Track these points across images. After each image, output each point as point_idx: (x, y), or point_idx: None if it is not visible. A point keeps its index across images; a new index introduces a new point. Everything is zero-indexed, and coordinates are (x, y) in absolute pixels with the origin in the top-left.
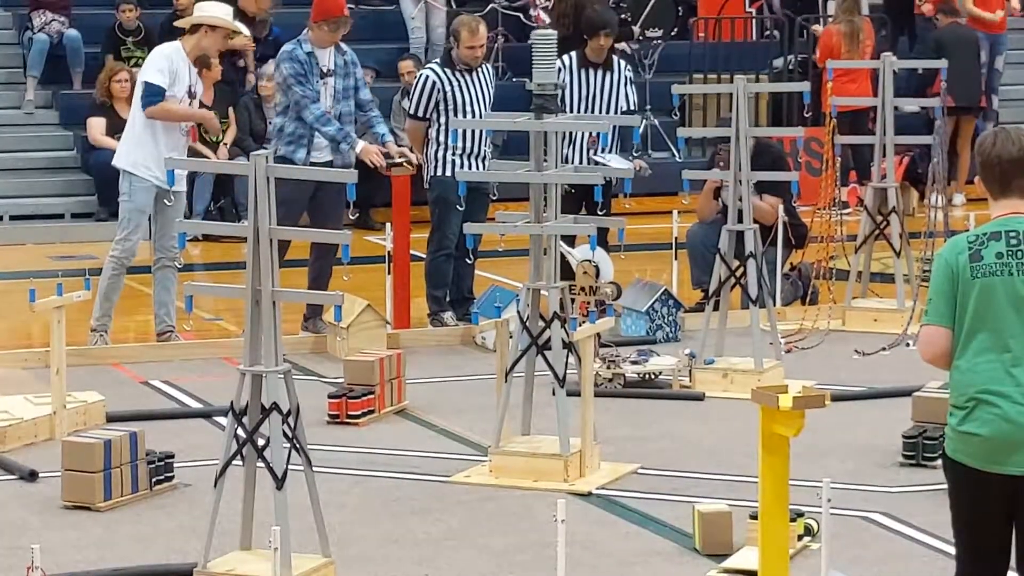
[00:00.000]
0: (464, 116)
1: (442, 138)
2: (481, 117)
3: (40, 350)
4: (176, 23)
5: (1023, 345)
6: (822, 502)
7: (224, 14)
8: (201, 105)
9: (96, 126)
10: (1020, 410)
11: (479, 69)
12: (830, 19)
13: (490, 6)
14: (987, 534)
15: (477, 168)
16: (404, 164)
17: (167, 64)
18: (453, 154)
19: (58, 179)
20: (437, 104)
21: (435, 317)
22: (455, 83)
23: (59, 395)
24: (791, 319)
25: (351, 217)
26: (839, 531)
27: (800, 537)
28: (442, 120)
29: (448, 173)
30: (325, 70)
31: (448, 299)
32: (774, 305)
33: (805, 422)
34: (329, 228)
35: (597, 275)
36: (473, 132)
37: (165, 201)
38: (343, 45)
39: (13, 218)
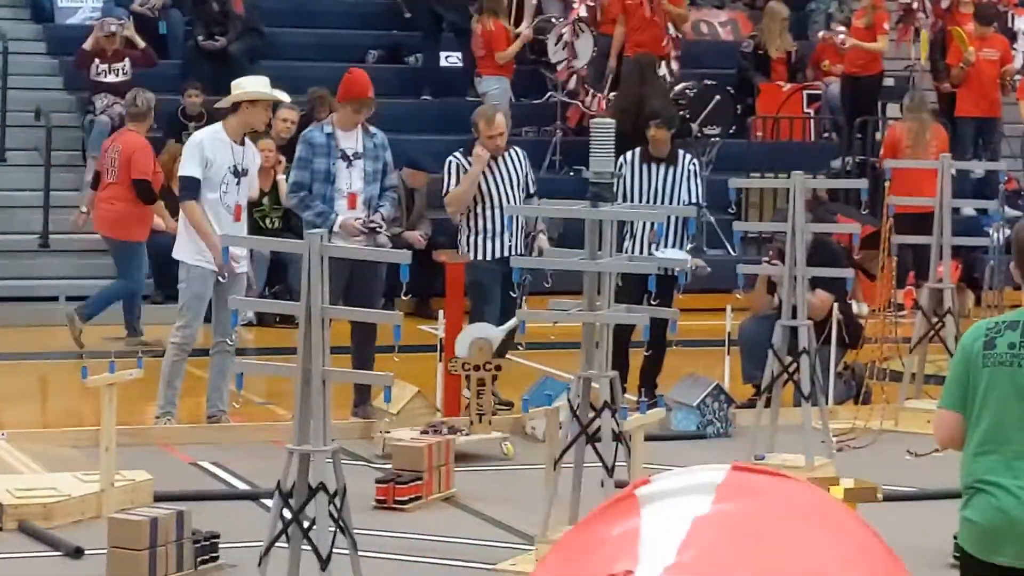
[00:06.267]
0: (492, 201)
1: (471, 223)
2: (512, 202)
3: (91, 429)
4: (216, 105)
5: None
6: None
7: (262, 86)
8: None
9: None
10: (1013, 503)
11: (506, 155)
12: (889, 121)
13: (548, 96)
14: None
15: (504, 249)
16: (377, 229)
17: (198, 152)
18: (483, 238)
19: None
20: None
21: None
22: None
23: (108, 473)
24: (843, 418)
25: (405, 299)
26: None
27: None
28: (472, 207)
29: (480, 257)
30: (352, 152)
31: None
32: (826, 403)
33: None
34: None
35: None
36: (500, 215)
37: (220, 279)
38: (372, 128)
39: (69, 299)
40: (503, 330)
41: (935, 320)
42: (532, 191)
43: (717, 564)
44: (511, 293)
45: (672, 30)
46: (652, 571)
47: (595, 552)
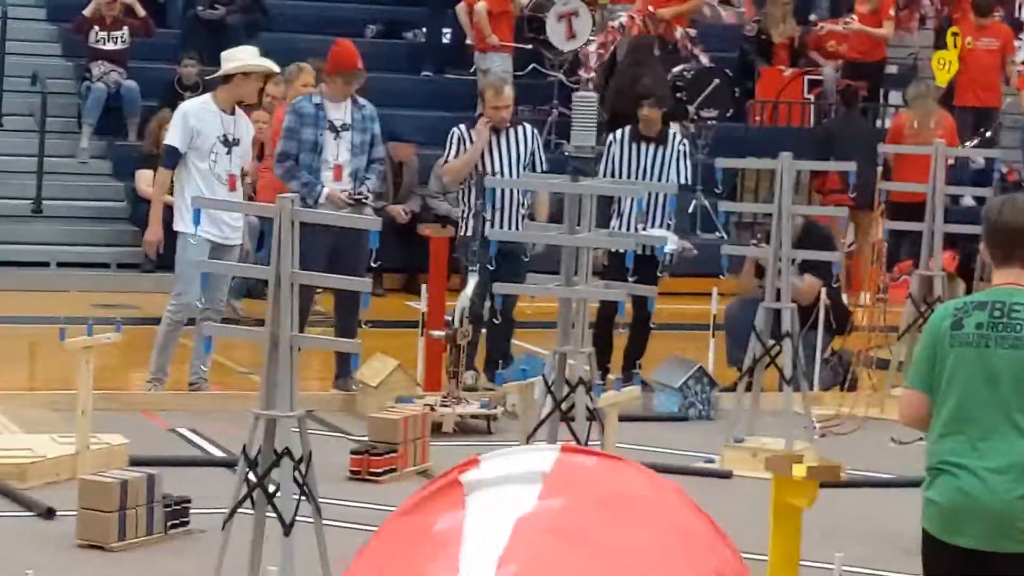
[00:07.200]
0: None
1: (465, 198)
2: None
3: (70, 393)
4: (209, 77)
5: (990, 419)
6: None
7: (252, 57)
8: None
9: (144, 178)
10: (976, 484)
11: (512, 130)
12: (891, 109)
13: (549, 78)
14: None
15: (488, 225)
16: (363, 201)
17: (182, 121)
18: (477, 215)
19: (107, 229)
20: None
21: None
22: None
23: (83, 436)
24: (829, 404)
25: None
26: None
27: None
28: (469, 181)
29: (465, 232)
30: (340, 124)
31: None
32: (811, 389)
33: (818, 493)
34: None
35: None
36: (502, 193)
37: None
38: (361, 100)
39: (60, 265)
40: (467, 295)
41: (924, 308)
42: (542, 170)
43: None
44: (488, 267)
45: (679, 32)
46: None
47: (416, 550)
